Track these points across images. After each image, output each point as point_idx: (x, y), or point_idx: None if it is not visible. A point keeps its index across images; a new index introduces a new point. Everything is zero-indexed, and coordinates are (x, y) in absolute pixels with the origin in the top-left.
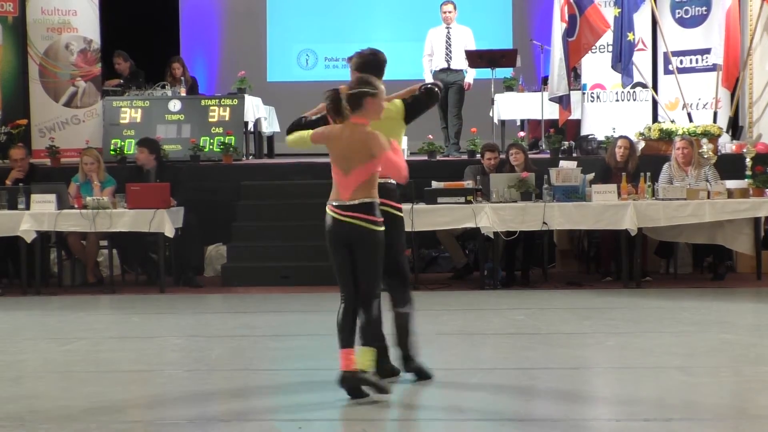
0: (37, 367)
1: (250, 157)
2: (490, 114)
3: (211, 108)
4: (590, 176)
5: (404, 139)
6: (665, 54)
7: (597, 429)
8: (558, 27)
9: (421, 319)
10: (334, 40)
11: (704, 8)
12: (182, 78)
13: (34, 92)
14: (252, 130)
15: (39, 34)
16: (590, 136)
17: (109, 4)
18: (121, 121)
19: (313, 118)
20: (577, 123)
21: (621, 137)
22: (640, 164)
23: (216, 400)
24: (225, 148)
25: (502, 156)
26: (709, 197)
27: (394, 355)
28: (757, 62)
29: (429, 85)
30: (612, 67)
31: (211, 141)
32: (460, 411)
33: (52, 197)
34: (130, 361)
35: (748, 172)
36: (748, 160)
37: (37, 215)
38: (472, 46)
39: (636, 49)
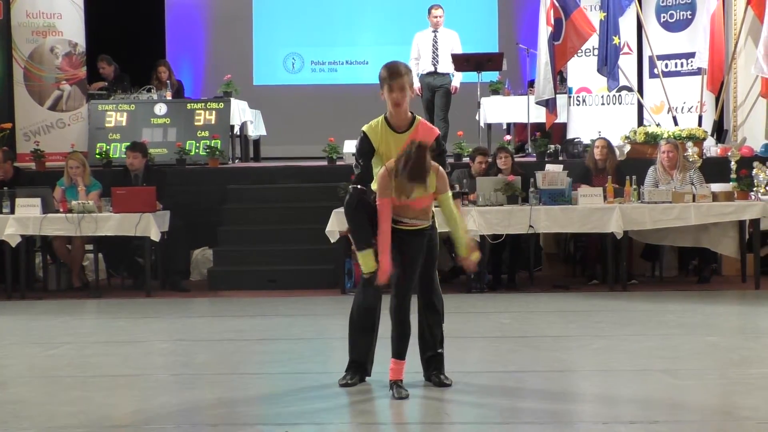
0: (22, 372)
1: (236, 160)
2: (477, 117)
3: (197, 111)
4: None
5: None
6: (650, 58)
7: (583, 431)
8: (544, 31)
9: None
10: (320, 44)
11: (689, 12)
12: (168, 81)
13: (19, 96)
14: (238, 133)
15: (24, 37)
16: (576, 140)
17: (94, 8)
18: (107, 125)
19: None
20: (563, 126)
21: (598, 138)
22: (625, 168)
23: (202, 405)
24: (211, 152)
25: (489, 159)
26: (694, 200)
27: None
28: (741, 66)
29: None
30: (598, 70)
31: (197, 144)
32: (446, 414)
33: (37, 201)
34: (116, 366)
35: (733, 176)
36: (732, 163)
37: (22, 219)
38: (459, 50)
39: (621, 52)
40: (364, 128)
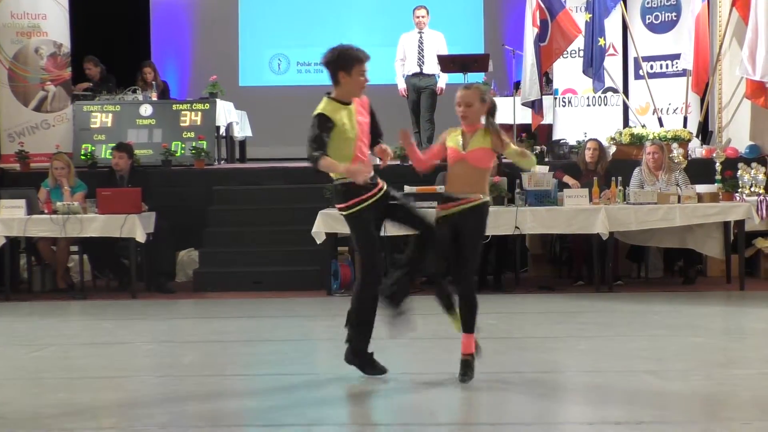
0: (7, 374)
1: (222, 161)
2: None
3: (183, 112)
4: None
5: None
6: (636, 59)
7: None
8: (530, 32)
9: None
10: (306, 45)
11: (674, 14)
12: (153, 82)
13: (3, 97)
14: (224, 134)
15: (8, 38)
16: (562, 141)
17: (79, 9)
18: (92, 126)
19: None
20: (549, 128)
21: (590, 139)
22: (611, 168)
23: (188, 406)
24: (197, 153)
25: None
26: (679, 202)
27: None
28: (726, 67)
29: None
30: (583, 72)
31: (183, 146)
32: (432, 416)
33: (22, 203)
34: (102, 367)
35: (718, 177)
36: (717, 164)
37: (7, 221)
38: (445, 51)
39: (607, 54)
40: (318, 111)
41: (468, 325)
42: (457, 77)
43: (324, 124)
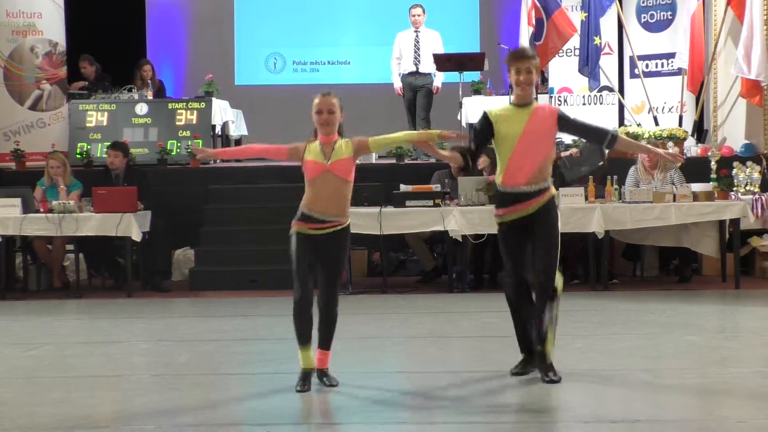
0: (3, 373)
1: (218, 160)
2: (458, 117)
3: (179, 111)
4: None
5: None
6: (631, 58)
7: (565, 430)
8: (525, 31)
9: (389, 322)
10: (302, 44)
11: (669, 13)
12: (150, 81)
13: None
14: (219, 133)
15: (4, 37)
16: (557, 140)
17: (74, 7)
18: (88, 125)
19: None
20: None
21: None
22: (606, 168)
23: (184, 406)
24: (192, 152)
25: None
26: (674, 200)
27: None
28: (721, 66)
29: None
30: (579, 70)
31: (179, 144)
32: (429, 414)
33: (17, 201)
34: (97, 367)
35: (713, 176)
36: (713, 163)
37: (2, 220)
38: (440, 50)
39: (602, 53)
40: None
41: (327, 340)
42: (454, 76)
43: (479, 124)
